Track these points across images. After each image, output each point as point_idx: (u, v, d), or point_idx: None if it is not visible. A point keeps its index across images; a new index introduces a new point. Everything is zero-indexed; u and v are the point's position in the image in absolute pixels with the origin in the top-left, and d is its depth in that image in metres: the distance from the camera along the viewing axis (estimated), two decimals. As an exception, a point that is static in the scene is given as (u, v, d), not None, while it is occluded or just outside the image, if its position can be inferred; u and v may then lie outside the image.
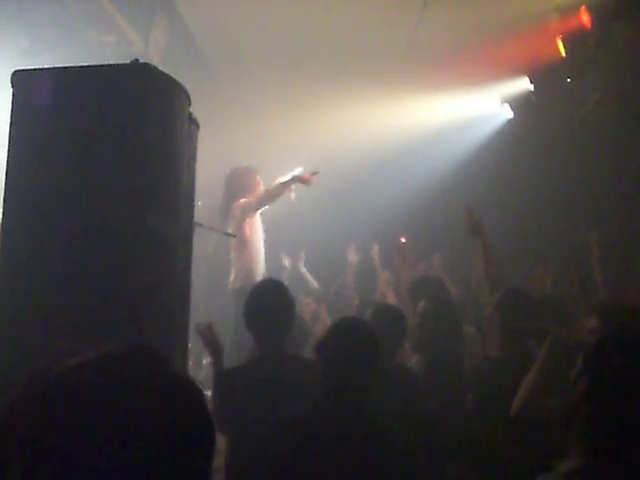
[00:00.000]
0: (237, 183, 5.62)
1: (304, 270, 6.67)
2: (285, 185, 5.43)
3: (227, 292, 5.53)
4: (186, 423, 0.97)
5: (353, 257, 6.71)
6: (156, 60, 5.71)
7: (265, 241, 5.63)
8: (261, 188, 5.59)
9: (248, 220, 5.48)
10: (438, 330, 3.79)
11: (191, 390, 1.01)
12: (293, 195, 5.52)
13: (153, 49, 6.09)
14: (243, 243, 5.48)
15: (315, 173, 5.45)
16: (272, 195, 5.45)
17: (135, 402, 0.94)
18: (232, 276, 5.52)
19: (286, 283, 3.80)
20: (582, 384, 1.80)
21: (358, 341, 2.61)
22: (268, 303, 3.37)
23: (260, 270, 5.45)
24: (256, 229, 5.55)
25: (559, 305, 3.60)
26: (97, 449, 0.91)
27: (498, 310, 3.43)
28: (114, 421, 0.93)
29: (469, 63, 6.83)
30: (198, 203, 3.32)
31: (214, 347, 3.28)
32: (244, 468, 2.81)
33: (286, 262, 6.60)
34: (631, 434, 1.74)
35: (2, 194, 2.64)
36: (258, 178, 5.63)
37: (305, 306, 5.77)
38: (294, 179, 5.45)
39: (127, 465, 0.91)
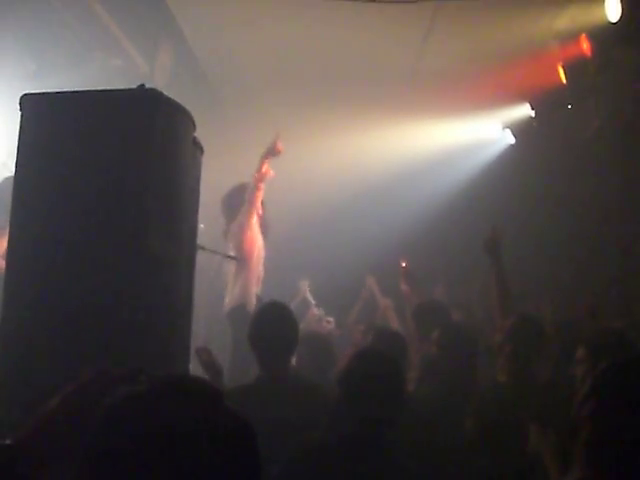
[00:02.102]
0: (230, 204, 5.57)
1: (308, 296, 6.71)
2: (259, 175, 5.24)
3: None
4: (238, 463, 1.00)
5: (369, 290, 6.71)
6: (162, 83, 5.76)
7: (272, 263, 5.57)
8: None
9: (249, 235, 5.37)
10: (454, 359, 3.64)
11: (244, 430, 1.05)
12: (272, 172, 5.29)
13: (159, 73, 6.14)
14: (239, 265, 5.41)
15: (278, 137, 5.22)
16: (252, 194, 5.29)
17: (191, 440, 0.96)
18: (226, 299, 5.44)
19: (293, 308, 3.82)
20: (589, 405, 1.83)
21: (384, 373, 2.59)
22: (272, 325, 3.42)
23: (253, 293, 5.32)
24: (254, 250, 5.46)
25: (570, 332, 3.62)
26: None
27: (509, 338, 3.45)
28: (170, 455, 0.94)
29: (471, 89, 6.89)
30: (201, 226, 3.34)
31: (213, 369, 3.36)
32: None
33: (306, 290, 6.62)
34: (632, 451, 1.77)
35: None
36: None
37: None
38: (266, 156, 5.23)
39: None
